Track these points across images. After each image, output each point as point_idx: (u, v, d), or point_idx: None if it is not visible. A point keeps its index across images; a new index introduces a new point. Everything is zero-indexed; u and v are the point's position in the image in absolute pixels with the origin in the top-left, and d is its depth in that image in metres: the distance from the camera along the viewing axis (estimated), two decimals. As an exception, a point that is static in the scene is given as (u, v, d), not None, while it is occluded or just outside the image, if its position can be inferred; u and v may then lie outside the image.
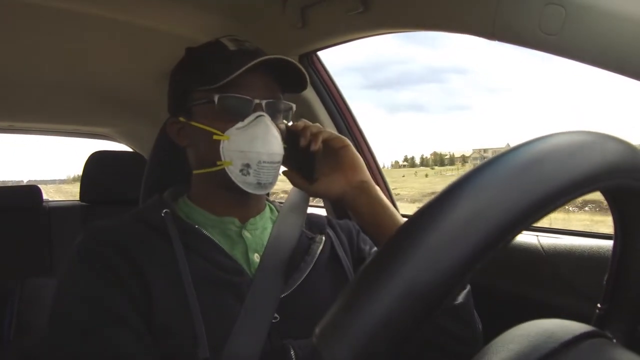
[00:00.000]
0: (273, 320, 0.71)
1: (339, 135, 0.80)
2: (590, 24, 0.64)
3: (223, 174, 0.74)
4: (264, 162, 0.72)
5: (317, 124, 0.80)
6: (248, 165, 0.72)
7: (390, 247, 0.26)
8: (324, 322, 0.26)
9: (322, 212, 1.42)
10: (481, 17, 0.76)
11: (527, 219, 0.26)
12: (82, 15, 1.11)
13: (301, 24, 1.10)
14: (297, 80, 0.78)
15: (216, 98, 0.73)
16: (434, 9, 0.86)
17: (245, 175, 0.73)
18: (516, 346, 0.30)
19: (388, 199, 0.81)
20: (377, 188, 0.80)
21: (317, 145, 0.76)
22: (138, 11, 1.15)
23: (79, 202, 1.99)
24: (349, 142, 0.79)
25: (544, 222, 1.06)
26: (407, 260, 0.25)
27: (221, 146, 0.73)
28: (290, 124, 0.81)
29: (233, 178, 0.73)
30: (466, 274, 0.25)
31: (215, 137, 0.73)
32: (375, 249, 0.88)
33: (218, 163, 0.74)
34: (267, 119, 0.73)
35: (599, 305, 0.40)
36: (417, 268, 0.24)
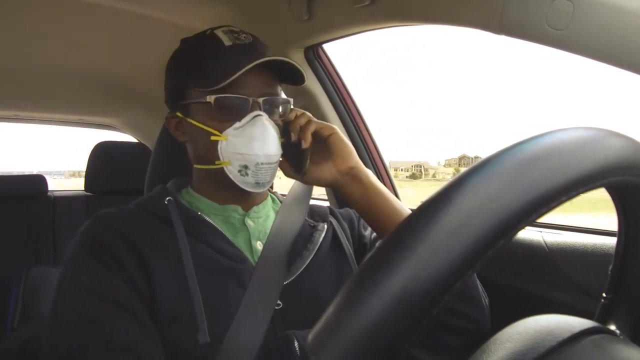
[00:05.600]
0: (276, 307, 0.71)
1: (327, 123, 0.80)
2: (599, 19, 0.63)
3: (222, 171, 0.74)
4: (262, 163, 0.73)
5: (307, 114, 0.79)
6: (246, 167, 0.73)
7: (378, 256, 0.26)
8: (314, 332, 0.25)
9: (326, 204, 1.43)
10: (488, 11, 0.75)
11: (530, 215, 0.25)
12: (88, 5, 1.12)
13: (307, 16, 1.10)
14: (295, 73, 0.78)
15: (212, 99, 0.73)
16: (441, 2, 0.85)
17: (244, 176, 0.73)
18: (513, 345, 0.30)
19: (389, 187, 0.80)
20: (370, 173, 0.80)
21: (307, 143, 0.76)
22: (144, 2, 1.15)
23: (84, 191, 2.00)
24: (336, 129, 0.79)
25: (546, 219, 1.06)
26: (398, 266, 0.24)
27: (219, 147, 0.73)
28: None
29: (232, 177, 0.74)
30: (463, 275, 0.24)
31: (213, 137, 0.73)
32: (375, 234, 0.88)
33: (216, 162, 0.74)
34: (264, 117, 0.73)
35: (604, 294, 0.40)
36: (410, 273, 0.24)
